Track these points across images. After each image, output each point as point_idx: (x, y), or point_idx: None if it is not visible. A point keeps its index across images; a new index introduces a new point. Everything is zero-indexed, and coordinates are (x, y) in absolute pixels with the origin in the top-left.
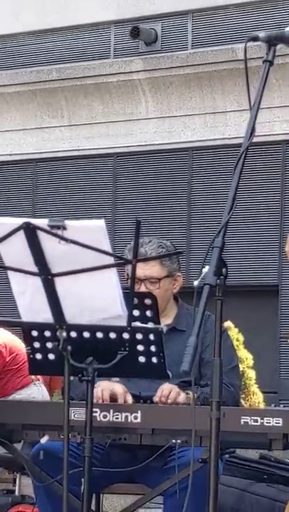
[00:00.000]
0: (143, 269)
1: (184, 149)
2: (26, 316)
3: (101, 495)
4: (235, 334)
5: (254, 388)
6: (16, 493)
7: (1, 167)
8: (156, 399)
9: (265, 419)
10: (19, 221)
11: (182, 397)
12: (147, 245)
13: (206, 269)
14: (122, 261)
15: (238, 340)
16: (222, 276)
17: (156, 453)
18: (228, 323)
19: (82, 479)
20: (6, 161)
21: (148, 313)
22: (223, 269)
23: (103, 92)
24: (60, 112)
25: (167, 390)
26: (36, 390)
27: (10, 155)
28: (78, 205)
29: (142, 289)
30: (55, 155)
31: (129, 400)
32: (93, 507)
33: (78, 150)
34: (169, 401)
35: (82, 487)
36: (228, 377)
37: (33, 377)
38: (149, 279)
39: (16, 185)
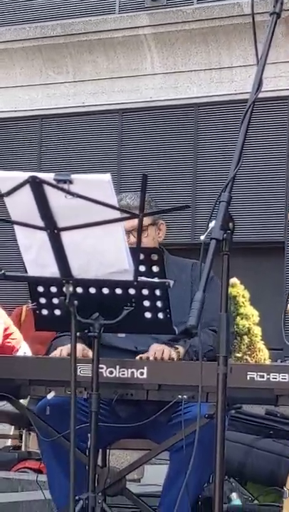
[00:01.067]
0: (129, 221)
1: (189, 105)
2: (32, 271)
3: (107, 450)
4: (241, 291)
5: (260, 345)
6: (23, 449)
7: (7, 123)
8: (150, 358)
9: (271, 374)
10: (25, 175)
11: (174, 354)
12: (127, 198)
13: (212, 224)
14: (128, 215)
15: (243, 296)
16: (229, 231)
17: (162, 409)
18: (233, 280)
19: (89, 435)
20: (12, 117)
21: (154, 268)
22: (230, 224)
23: (108, 47)
24: (65, 68)
25: (160, 352)
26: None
27: (15, 111)
28: (84, 161)
29: (131, 239)
30: (61, 111)
31: (90, 354)
32: (100, 462)
33: (83, 106)
34: (164, 356)
35: (89, 442)
36: None
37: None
38: (135, 229)
39: (22, 141)
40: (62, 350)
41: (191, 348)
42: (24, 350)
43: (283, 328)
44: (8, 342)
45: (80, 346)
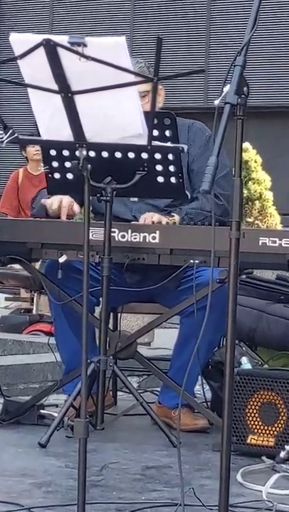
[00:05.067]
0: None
1: None
2: (46, 135)
3: (118, 314)
4: (253, 156)
5: (271, 210)
6: (34, 312)
7: None
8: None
9: (283, 240)
10: (39, 38)
11: (164, 220)
12: (135, 64)
13: (227, 88)
14: (143, 79)
15: (255, 161)
16: (243, 95)
17: (170, 275)
18: (245, 145)
19: (100, 298)
20: None
21: (167, 133)
22: (245, 88)
23: None
24: None
25: (149, 218)
26: None
27: None
28: (96, 24)
29: None
30: None
31: (77, 209)
32: (111, 326)
33: None
34: (153, 219)
35: (100, 306)
36: (220, 186)
37: None
38: (141, 94)
39: (33, 3)
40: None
41: (187, 215)
42: None
43: None
44: None
45: (68, 199)
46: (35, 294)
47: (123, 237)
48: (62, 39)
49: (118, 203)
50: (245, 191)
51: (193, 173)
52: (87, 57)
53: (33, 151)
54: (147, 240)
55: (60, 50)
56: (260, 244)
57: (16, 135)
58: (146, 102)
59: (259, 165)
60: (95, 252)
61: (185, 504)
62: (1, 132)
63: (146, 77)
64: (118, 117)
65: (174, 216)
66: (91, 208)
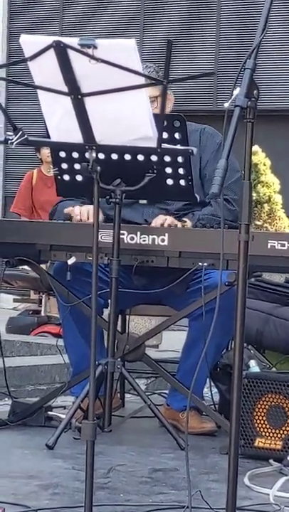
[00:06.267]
0: None
1: None
2: (56, 137)
3: (127, 317)
4: (262, 159)
5: (280, 213)
6: (42, 313)
7: None
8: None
9: None
10: (50, 39)
11: (177, 224)
12: (145, 69)
13: (237, 91)
14: (153, 81)
15: (264, 164)
16: (253, 99)
17: (178, 278)
18: (255, 148)
19: (109, 300)
20: None
21: (177, 135)
22: (255, 91)
23: None
24: None
25: (160, 221)
26: None
27: None
28: (106, 26)
29: None
30: None
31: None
32: (119, 329)
33: None
34: (166, 223)
35: (109, 308)
36: (232, 191)
37: None
38: (151, 99)
39: (43, 4)
40: (81, 211)
41: (199, 221)
42: None
43: None
44: None
45: (89, 207)
46: (44, 296)
47: (132, 239)
48: (73, 41)
49: (128, 209)
50: (254, 194)
51: (205, 178)
52: (97, 60)
53: (47, 152)
54: (156, 243)
55: (70, 52)
56: (268, 247)
57: (25, 137)
58: (155, 107)
59: (268, 168)
60: (103, 254)
61: (192, 507)
62: (11, 134)
63: (157, 79)
64: (128, 119)
65: (186, 222)
66: (104, 216)
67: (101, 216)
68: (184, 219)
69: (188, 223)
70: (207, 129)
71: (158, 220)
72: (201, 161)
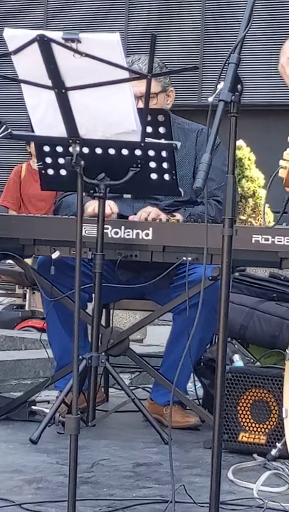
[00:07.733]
0: (139, 86)
1: None
2: (39, 131)
3: (111, 311)
4: (247, 153)
5: (265, 208)
6: (26, 308)
7: None
8: (136, 217)
9: (276, 237)
10: (33, 33)
11: (164, 216)
12: (139, 61)
13: (221, 86)
14: (137, 75)
15: (249, 159)
16: (237, 93)
17: (162, 273)
18: (239, 143)
19: (93, 295)
20: None
21: (161, 129)
22: (239, 86)
23: None
24: None
25: (146, 213)
26: None
27: None
28: (91, 21)
29: (140, 105)
30: None
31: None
32: (103, 323)
33: None
34: (150, 217)
35: (93, 303)
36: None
37: None
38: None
39: None
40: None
41: (190, 217)
42: None
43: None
44: None
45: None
46: (28, 290)
47: (116, 233)
48: (57, 35)
49: (119, 202)
50: (238, 189)
51: None
52: (81, 54)
53: None
54: (140, 237)
55: (54, 46)
56: (253, 241)
57: (9, 130)
58: (155, 103)
59: (253, 163)
60: (87, 249)
61: (176, 501)
62: None
63: (140, 73)
64: (112, 114)
65: (176, 216)
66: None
67: (116, 209)
68: (175, 214)
69: (180, 217)
70: (205, 130)
71: (142, 213)
72: (196, 160)
